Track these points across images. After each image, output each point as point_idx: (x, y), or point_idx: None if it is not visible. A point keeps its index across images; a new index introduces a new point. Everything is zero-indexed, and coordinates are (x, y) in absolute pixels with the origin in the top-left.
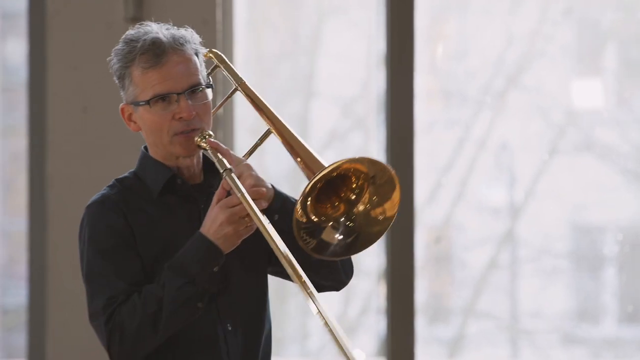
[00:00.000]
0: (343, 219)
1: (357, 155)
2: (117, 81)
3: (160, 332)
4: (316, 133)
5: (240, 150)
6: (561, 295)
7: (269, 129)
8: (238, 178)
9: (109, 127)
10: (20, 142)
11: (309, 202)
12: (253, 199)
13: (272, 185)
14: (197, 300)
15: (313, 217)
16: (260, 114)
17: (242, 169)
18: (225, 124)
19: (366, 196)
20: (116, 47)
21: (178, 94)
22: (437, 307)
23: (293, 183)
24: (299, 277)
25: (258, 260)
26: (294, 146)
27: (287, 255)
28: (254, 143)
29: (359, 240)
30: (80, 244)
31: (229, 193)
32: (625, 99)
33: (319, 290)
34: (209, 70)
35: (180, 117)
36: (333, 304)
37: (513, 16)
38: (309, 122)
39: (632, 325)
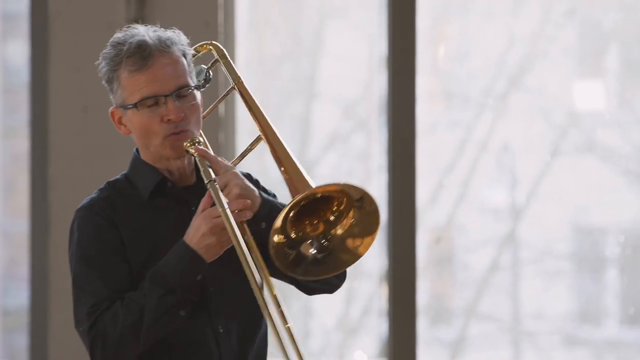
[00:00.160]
0: (320, 237)
1: (354, 183)
2: (105, 85)
3: (142, 340)
4: (318, 134)
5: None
6: (563, 296)
7: (259, 135)
8: (224, 187)
9: (110, 129)
10: (21, 143)
11: (288, 220)
12: (238, 210)
13: (259, 193)
14: (179, 309)
15: (292, 234)
16: (253, 117)
17: (229, 177)
18: (226, 126)
19: (347, 222)
20: (104, 51)
21: (165, 96)
22: (439, 308)
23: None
24: (264, 304)
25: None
26: (281, 158)
27: (258, 279)
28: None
29: (329, 262)
30: (69, 248)
31: (215, 202)
32: (627, 100)
33: (311, 293)
34: (209, 65)
35: (169, 120)
36: (335, 305)
37: (515, 17)
38: (310, 123)
39: (633, 327)
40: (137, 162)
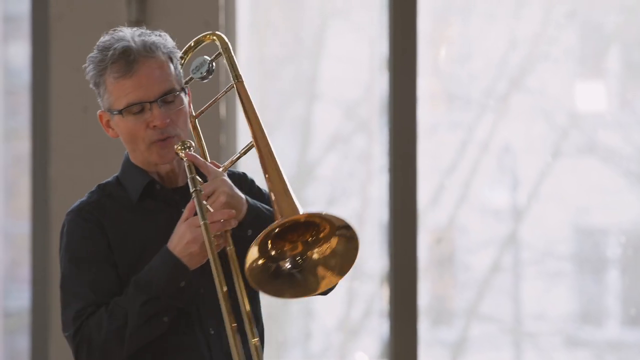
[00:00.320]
0: (297, 256)
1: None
2: (93, 88)
3: (127, 345)
4: (319, 135)
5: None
6: (564, 297)
7: (251, 141)
8: (211, 194)
9: None
10: (23, 145)
11: (268, 241)
12: (222, 220)
13: (246, 199)
14: (163, 315)
15: (272, 252)
16: (247, 122)
17: (216, 185)
18: (227, 127)
19: (325, 248)
20: (90, 55)
21: (150, 102)
22: (440, 309)
23: (292, 185)
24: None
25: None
26: (268, 168)
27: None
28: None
29: (301, 281)
30: (60, 251)
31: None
32: (629, 102)
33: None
34: (212, 57)
35: (154, 126)
36: (336, 307)
37: (516, 19)
38: (311, 124)
39: (635, 328)
40: (127, 164)
